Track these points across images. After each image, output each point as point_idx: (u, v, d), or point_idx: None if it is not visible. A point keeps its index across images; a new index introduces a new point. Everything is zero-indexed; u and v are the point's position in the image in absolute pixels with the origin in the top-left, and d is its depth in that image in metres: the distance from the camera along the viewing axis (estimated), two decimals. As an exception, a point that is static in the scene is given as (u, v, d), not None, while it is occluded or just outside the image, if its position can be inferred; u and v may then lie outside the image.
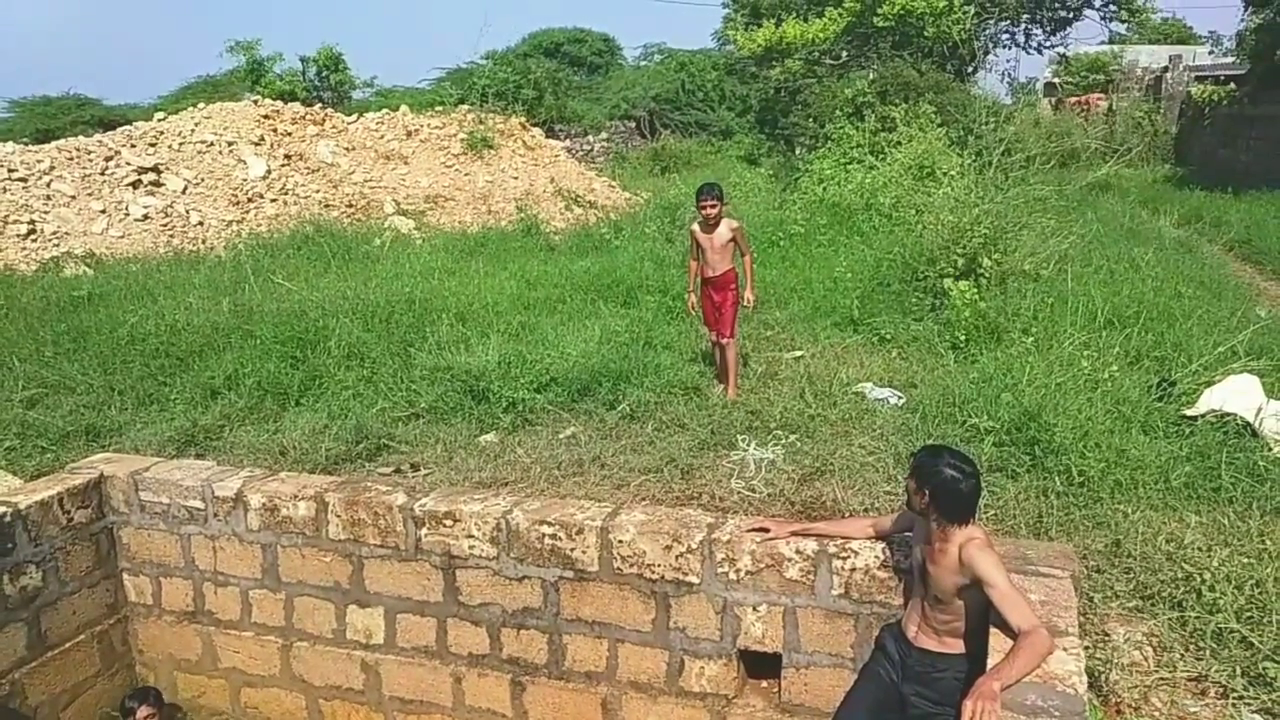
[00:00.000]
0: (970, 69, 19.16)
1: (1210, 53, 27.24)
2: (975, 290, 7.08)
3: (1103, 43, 26.08)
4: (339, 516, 4.73)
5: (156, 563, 5.22)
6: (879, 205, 10.83)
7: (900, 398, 5.81)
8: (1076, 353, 5.77)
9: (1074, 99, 25.81)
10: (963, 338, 6.62)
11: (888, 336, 7.06)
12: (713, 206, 5.98)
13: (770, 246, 9.98)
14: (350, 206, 13.94)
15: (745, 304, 6.24)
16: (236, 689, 5.25)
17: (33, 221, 10.93)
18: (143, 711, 4.86)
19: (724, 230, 6.06)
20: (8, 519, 4.68)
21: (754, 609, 4.10)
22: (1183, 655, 3.41)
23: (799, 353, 6.90)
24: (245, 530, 4.95)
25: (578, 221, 14.22)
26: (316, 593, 4.92)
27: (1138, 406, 5.17)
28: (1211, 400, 5.09)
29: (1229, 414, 4.95)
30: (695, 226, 6.20)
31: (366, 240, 11.60)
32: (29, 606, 4.80)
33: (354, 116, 16.96)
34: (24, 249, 10.53)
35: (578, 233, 12.48)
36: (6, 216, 10.75)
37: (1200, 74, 24.91)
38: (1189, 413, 5.12)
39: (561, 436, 5.60)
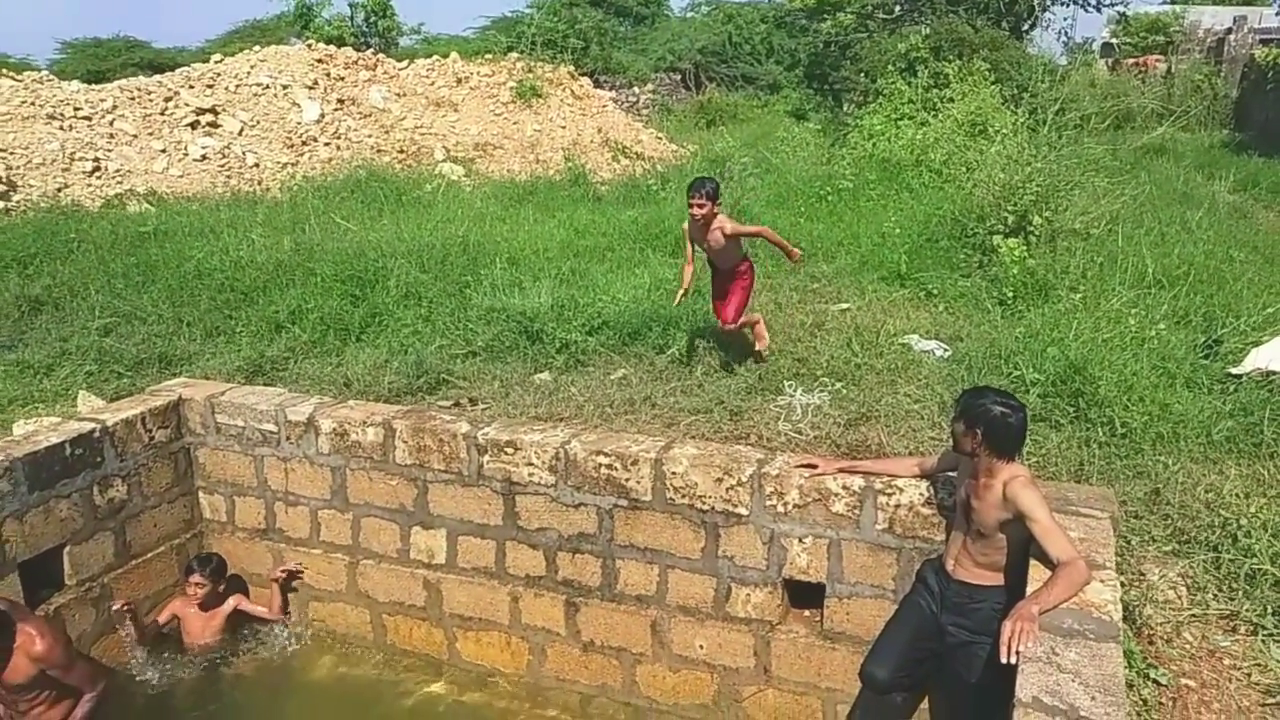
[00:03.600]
0: (1026, 27, 18.77)
1: (1278, 14, 26.33)
2: (1024, 248, 7.12)
3: (1164, 2, 25.33)
4: (406, 443, 4.98)
5: (231, 482, 5.52)
6: (930, 162, 10.79)
7: (946, 350, 5.92)
8: (1124, 310, 5.83)
9: (1131, 60, 25.15)
10: (1010, 294, 6.68)
11: (935, 292, 7.13)
12: (700, 206, 5.25)
13: (818, 201, 10.03)
14: (401, 152, 14.13)
15: (794, 261, 5.95)
16: (305, 603, 5.57)
17: (97, 159, 11.24)
18: (195, 579, 5.23)
19: (717, 234, 5.35)
20: (97, 434, 4.99)
21: (800, 541, 4.29)
22: (1215, 595, 3.55)
23: (845, 305, 7.01)
24: (316, 453, 5.22)
25: (625, 172, 14.30)
26: (383, 514, 5.19)
27: (1183, 363, 5.24)
28: (1258, 359, 5.15)
29: (1274, 373, 5.01)
30: (686, 226, 5.53)
31: (418, 185, 11.79)
32: (116, 517, 5.13)
33: (405, 62, 17.07)
34: (90, 185, 10.86)
35: (625, 183, 12.57)
36: (73, 154, 11.07)
37: (1266, 36, 24.11)
38: (1234, 370, 5.19)
39: (613, 377, 5.79)
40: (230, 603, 5.38)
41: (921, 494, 4.05)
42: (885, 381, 5.46)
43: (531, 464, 4.75)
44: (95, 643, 5.02)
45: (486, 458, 4.82)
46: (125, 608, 4.98)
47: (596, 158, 15.33)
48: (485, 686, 5.12)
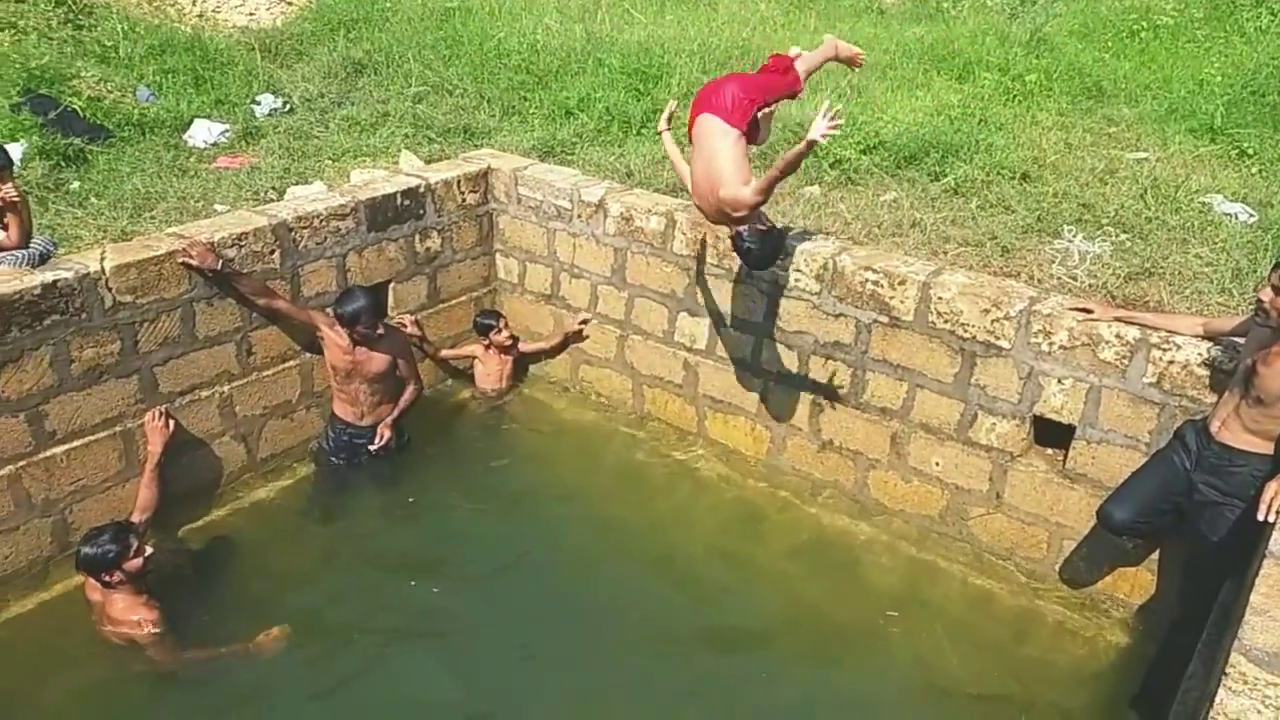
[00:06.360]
0: None
1: None
2: (1373, 111, 6.33)
3: None
4: (684, 234, 5.36)
5: (525, 249, 6.17)
6: (1273, 2, 9.46)
7: (1253, 215, 5.51)
8: None
9: None
10: (1342, 162, 6.03)
11: (1251, 151, 6.52)
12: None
13: (1130, 37, 9.12)
14: (682, -55, 13.88)
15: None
16: (577, 365, 6.28)
17: (404, -68, 11.85)
18: (499, 330, 6.04)
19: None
20: (421, 190, 5.69)
21: (1058, 381, 4.36)
22: None
23: (1144, 154, 6.56)
24: (602, 233, 5.72)
25: (912, -15, 13.42)
26: (654, 297, 5.67)
27: None
28: None
29: None
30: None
31: (699, -18, 11.68)
32: (430, 264, 5.91)
33: None
34: (398, -42, 11.53)
35: (912, -3, 11.86)
36: (383, -76, 11.71)
37: None
38: None
39: (882, 199, 5.84)
40: (520, 349, 6.18)
41: (1200, 354, 3.98)
42: (1176, 239, 5.21)
43: (799, 270, 5.00)
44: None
45: (758, 258, 5.11)
46: (412, 322, 5.83)
47: (883, -34, 14.39)
48: (726, 461, 5.67)
